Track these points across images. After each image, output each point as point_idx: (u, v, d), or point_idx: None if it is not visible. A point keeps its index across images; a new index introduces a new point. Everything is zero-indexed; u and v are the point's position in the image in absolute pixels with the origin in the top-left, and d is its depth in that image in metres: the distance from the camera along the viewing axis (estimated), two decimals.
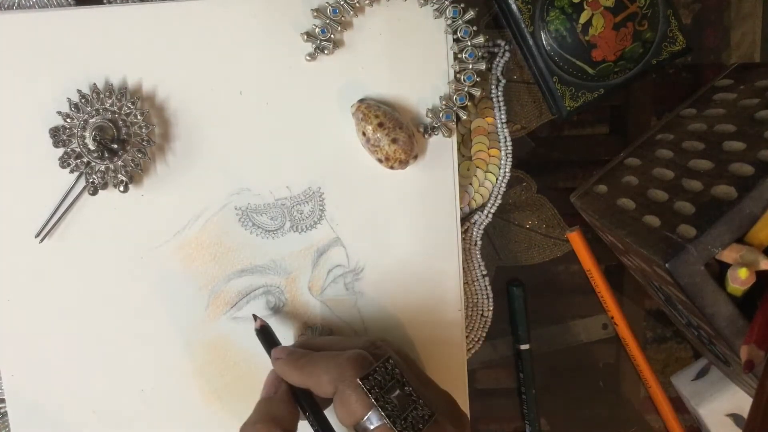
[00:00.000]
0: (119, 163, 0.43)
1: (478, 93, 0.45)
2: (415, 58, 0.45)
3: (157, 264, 0.46)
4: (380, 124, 0.43)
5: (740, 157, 0.37)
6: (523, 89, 0.47)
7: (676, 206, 0.37)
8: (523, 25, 0.44)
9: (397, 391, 0.36)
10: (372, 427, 0.35)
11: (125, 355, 0.46)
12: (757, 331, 0.33)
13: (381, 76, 0.45)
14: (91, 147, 0.42)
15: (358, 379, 0.35)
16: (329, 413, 0.38)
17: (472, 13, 0.43)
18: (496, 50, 0.47)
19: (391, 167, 0.44)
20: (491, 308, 0.49)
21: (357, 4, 0.43)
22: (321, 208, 0.46)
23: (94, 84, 0.43)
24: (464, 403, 0.48)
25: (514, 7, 0.43)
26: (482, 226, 0.48)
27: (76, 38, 0.43)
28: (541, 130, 0.48)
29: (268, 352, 0.41)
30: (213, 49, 0.44)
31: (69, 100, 0.43)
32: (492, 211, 0.48)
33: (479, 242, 0.48)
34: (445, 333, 0.47)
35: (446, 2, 0.43)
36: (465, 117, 0.45)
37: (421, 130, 0.45)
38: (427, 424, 0.35)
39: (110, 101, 0.43)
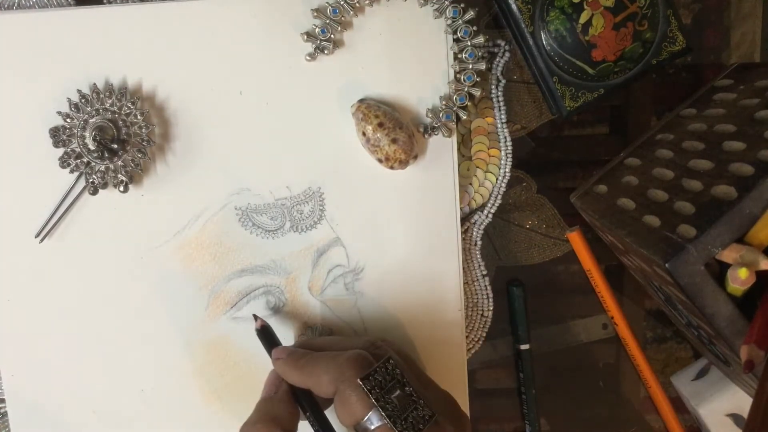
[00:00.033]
0: (119, 163, 0.43)
1: (478, 93, 0.45)
2: (415, 58, 0.45)
3: (157, 264, 0.46)
4: (380, 124, 0.43)
5: (740, 157, 0.37)
6: (523, 89, 0.47)
7: (676, 206, 0.37)
8: (523, 25, 0.44)
9: (398, 392, 0.36)
10: (372, 427, 0.35)
11: (125, 355, 0.46)
12: (757, 331, 0.33)
13: (381, 76, 0.45)
14: (91, 147, 0.42)
15: (358, 380, 0.35)
16: (329, 413, 0.38)
17: (472, 13, 0.43)
18: (496, 50, 0.47)
19: (391, 167, 0.44)
20: (491, 308, 0.49)
21: (357, 4, 0.43)
22: (321, 208, 0.46)
23: (94, 84, 0.43)
24: (464, 403, 0.48)
25: (514, 7, 0.43)
26: (482, 226, 0.48)
27: (76, 38, 0.43)
28: (541, 130, 0.48)
29: (269, 352, 0.41)
30: (213, 49, 0.44)
31: (69, 100, 0.43)
32: (492, 211, 0.48)
33: (479, 242, 0.48)
34: (445, 333, 0.47)
35: (446, 2, 0.43)
36: (465, 117, 0.45)
37: (421, 130, 0.45)
38: (428, 425, 0.35)
39: (110, 101, 0.43)
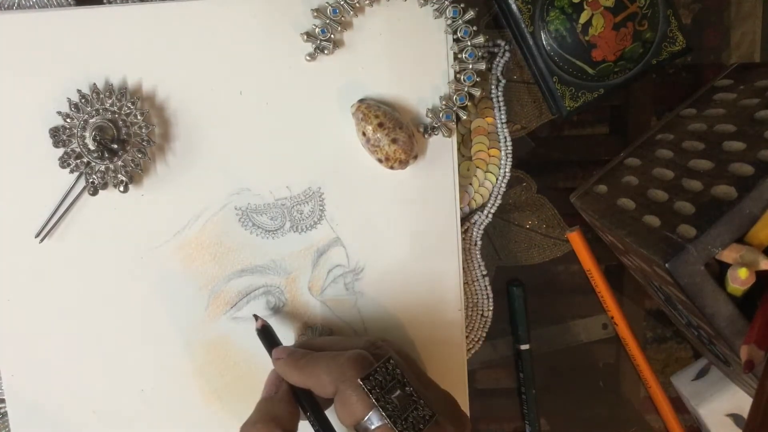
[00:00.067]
0: (119, 163, 0.43)
1: (478, 93, 0.45)
2: (415, 58, 0.45)
3: (157, 264, 0.46)
4: (380, 124, 0.43)
5: (740, 157, 0.37)
6: (523, 89, 0.47)
7: (676, 206, 0.37)
8: (523, 25, 0.44)
9: (398, 392, 0.36)
10: (373, 427, 0.35)
11: (125, 355, 0.46)
12: (757, 331, 0.33)
13: (381, 76, 0.45)
14: (91, 147, 0.42)
15: (358, 380, 0.35)
16: (330, 413, 0.38)
17: (472, 13, 0.43)
18: (496, 50, 0.47)
19: (391, 167, 0.44)
20: (491, 308, 0.49)
21: (357, 4, 0.43)
22: (321, 208, 0.46)
23: (94, 84, 0.43)
24: (464, 403, 0.48)
25: (514, 7, 0.43)
26: (482, 226, 0.48)
27: (76, 38, 0.43)
28: (541, 130, 0.48)
29: (269, 352, 0.41)
30: (213, 49, 0.44)
31: (69, 100, 0.43)
32: (492, 211, 0.48)
33: (479, 242, 0.48)
34: (445, 333, 0.47)
35: (446, 2, 0.43)
36: (465, 117, 0.45)
37: (421, 130, 0.45)
38: (428, 425, 0.35)
39: (110, 101, 0.43)
